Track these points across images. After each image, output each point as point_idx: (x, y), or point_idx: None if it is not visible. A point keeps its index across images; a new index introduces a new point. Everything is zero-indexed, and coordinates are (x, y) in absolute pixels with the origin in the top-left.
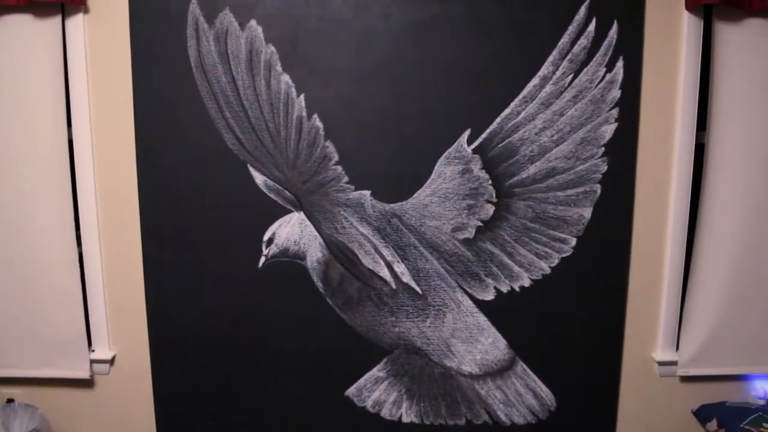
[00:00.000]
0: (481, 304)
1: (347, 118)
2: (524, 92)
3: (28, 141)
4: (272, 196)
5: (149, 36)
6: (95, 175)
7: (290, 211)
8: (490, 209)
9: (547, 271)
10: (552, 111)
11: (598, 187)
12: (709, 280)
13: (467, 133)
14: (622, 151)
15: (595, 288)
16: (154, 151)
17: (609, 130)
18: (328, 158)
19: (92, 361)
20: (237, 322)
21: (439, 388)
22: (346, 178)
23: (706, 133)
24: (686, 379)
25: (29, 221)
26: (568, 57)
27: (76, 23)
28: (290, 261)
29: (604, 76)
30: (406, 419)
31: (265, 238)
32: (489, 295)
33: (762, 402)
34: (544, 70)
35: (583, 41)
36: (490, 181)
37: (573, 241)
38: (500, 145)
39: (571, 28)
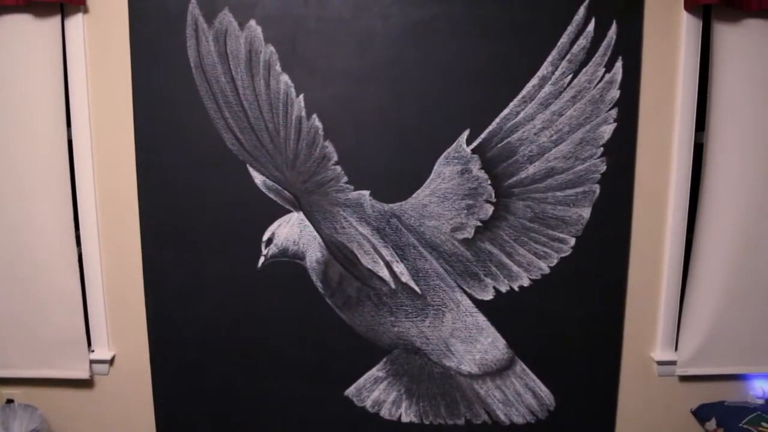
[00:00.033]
0: (480, 304)
1: (346, 118)
2: (523, 92)
3: (27, 141)
4: (271, 196)
5: (149, 36)
6: (95, 176)
7: (289, 211)
8: (489, 209)
9: (546, 271)
10: (551, 111)
11: (597, 187)
12: (707, 280)
13: (466, 133)
14: (621, 151)
15: (594, 288)
16: (153, 151)
17: (608, 130)
18: (327, 158)
19: (92, 362)
20: (236, 322)
21: (439, 388)
22: (345, 178)
23: (705, 133)
24: (685, 378)
25: (29, 221)
26: (567, 57)
27: (76, 23)
28: (289, 261)
29: (603, 77)
30: (405, 419)
31: (265, 238)
32: (488, 295)
33: (760, 401)
34: (543, 70)
35: (582, 41)
36: (489, 181)
37: (572, 241)
38: (499, 145)
39: (570, 29)
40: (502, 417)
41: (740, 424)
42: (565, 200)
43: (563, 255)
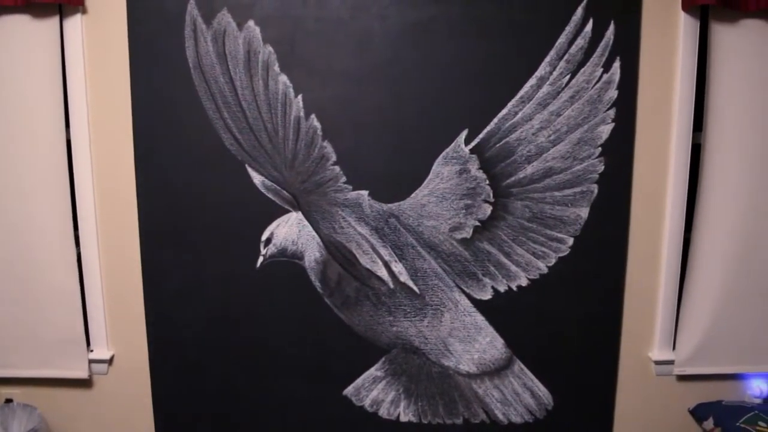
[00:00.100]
0: (478, 304)
1: (345, 118)
2: (521, 92)
3: (26, 141)
4: (270, 196)
5: (147, 36)
6: (94, 176)
7: (288, 211)
8: (488, 209)
9: (545, 270)
10: (549, 111)
11: (595, 187)
12: (705, 280)
13: (465, 133)
14: (619, 151)
15: (592, 287)
16: (152, 151)
17: (606, 130)
18: (325, 158)
19: (91, 361)
20: (235, 321)
21: (437, 388)
22: (343, 178)
23: (703, 134)
24: (683, 378)
25: (28, 221)
26: (565, 57)
27: (74, 24)
28: (288, 261)
29: (601, 77)
30: (404, 418)
31: (263, 237)
32: (486, 295)
33: (758, 401)
34: (541, 71)
35: (580, 42)
36: (487, 181)
37: (570, 241)
38: (497, 145)
39: (568, 29)
40: (501, 416)
41: (737, 424)
42: (563, 200)
43: (561, 255)
